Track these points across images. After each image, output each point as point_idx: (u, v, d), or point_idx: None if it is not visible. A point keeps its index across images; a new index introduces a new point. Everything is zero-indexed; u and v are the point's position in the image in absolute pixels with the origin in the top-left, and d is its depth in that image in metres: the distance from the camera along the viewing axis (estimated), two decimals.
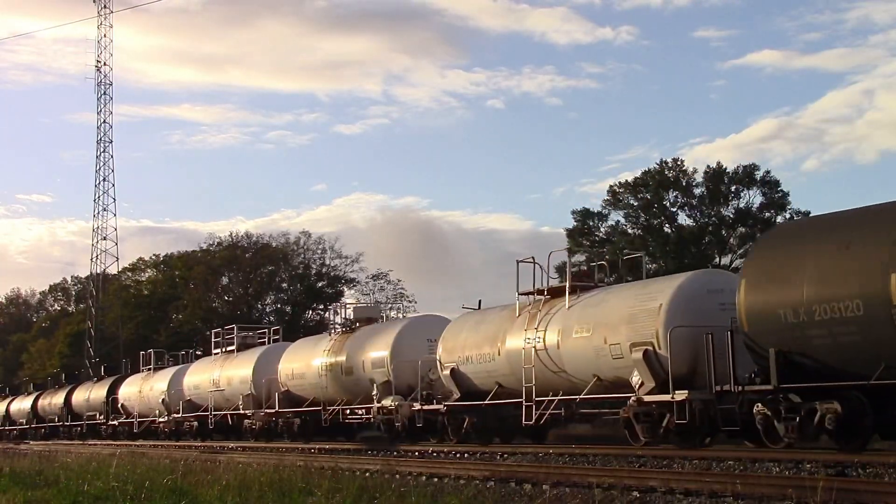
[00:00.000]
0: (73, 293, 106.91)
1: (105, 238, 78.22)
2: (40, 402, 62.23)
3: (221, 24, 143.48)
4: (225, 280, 73.12)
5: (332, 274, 72.51)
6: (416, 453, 23.73)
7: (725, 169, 56.62)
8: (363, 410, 30.41)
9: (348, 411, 31.38)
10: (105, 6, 79.34)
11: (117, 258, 78.98)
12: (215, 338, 42.51)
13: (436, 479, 15.46)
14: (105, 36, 79.30)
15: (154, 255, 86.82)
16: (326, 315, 71.77)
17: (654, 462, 17.27)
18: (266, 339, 40.56)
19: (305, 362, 33.72)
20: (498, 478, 14.81)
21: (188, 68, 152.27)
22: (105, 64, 79.01)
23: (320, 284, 72.24)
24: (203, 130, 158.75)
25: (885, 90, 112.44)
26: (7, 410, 67.92)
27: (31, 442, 54.31)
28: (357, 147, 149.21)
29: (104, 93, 78.89)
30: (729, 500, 11.16)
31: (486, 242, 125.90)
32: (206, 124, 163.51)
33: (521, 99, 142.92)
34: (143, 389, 47.19)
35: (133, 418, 48.05)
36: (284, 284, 73.04)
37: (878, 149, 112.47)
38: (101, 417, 51.80)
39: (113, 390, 51.87)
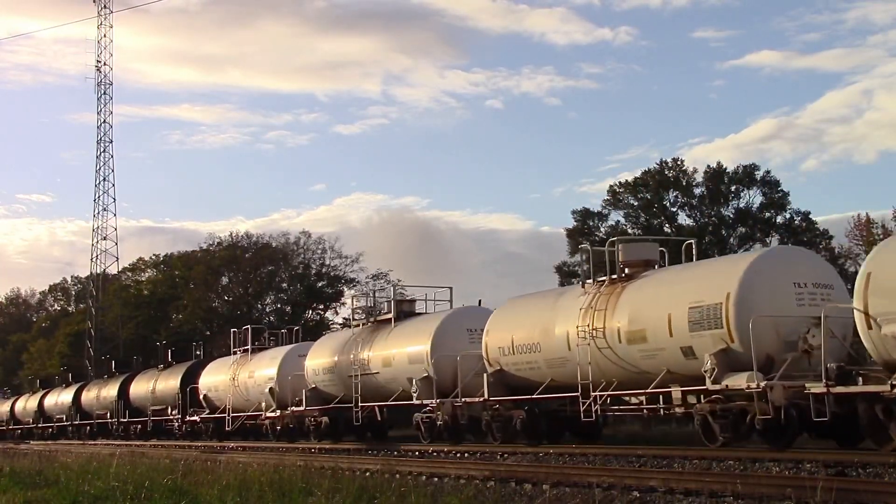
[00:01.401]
0: (73, 293, 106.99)
1: (105, 238, 78.30)
2: (46, 401, 61.33)
3: (221, 25, 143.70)
4: (225, 280, 73.12)
5: (332, 274, 72.55)
6: (416, 453, 23.72)
7: (725, 169, 56.67)
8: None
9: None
10: (105, 6, 79.45)
11: (117, 258, 79.09)
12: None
13: (436, 479, 15.45)
14: (105, 36, 79.39)
15: (154, 255, 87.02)
16: (326, 315, 72.03)
17: (654, 462, 17.26)
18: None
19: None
20: (498, 478, 14.80)
21: (188, 68, 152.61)
22: (105, 64, 79.11)
23: (320, 284, 72.25)
24: (202, 131, 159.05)
25: (884, 90, 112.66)
26: (13, 409, 67.13)
27: (32, 442, 54.28)
28: (356, 147, 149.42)
29: (104, 93, 79.00)
30: (729, 500, 11.15)
31: (486, 242, 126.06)
32: (206, 124, 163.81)
33: (521, 99, 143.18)
34: (240, 376, 38.90)
35: (221, 413, 39.69)
36: (284, 284, 73.04)
37: (878, 149, 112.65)
38: (175, 412, 44.20)
39: (126, 385, 49.12)
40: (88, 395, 55.10)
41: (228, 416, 38.55)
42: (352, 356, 30.10)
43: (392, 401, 28.27)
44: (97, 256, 78.60)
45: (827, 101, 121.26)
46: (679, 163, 57.60)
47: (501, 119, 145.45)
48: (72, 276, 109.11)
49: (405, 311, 30.01)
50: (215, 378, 41.19)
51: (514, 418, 23.33)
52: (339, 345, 31.93)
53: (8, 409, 68.53)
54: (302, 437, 34.08)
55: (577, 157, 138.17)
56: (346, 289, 71.91)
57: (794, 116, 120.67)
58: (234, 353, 40.57)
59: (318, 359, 33.01)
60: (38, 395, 63.62)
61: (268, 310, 73.09)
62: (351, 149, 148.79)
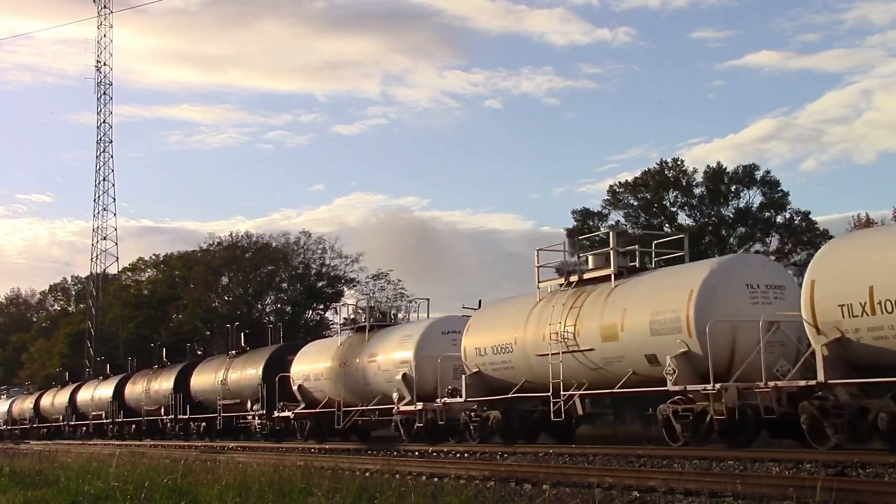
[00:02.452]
0: (73, 293, 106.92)
1: (105, 238, 78.35)
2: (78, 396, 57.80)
3: (220, 25, 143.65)
4: (225, 280, 73.11)
5: (332, 274, 72.54)
6: (416, 453, 23.73)
7: (725, 169, 56.63)
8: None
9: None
10: (105, 6, 79.47)
11: (117, 258, 79.12)
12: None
13: (436, 479, 15.45)
14: (105, 36, 79.43)
15: (154, 255, 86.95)
16: (326, 315, 71.97)
17: (654, 462, 17.26)
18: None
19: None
20: (498, 478, 14.80)
21: (187, 69, 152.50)
22: (105, 64, 79.15)
23: (320, 284, 72.24)
24: (202, 131, 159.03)
25: (884, 90, 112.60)
26: (38, 404, 64.20)
27: (32, 441, 54.26)
28: (356, 147, 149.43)
29: (104, 93, 79.05)
30: (729, 500, 11.15)
31: (486, 242, 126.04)
32: (205, 125, 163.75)
33: (520, 99, 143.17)
34: (355, 360, 31.44)
35: (325, 408, 32.69)
36: (284, 284, 73.02)
37: (877, 149, 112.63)
38: (256, 407, 36.93)
39: (185, 377, 43.72)
40: (134, 389, 50.05)
41: (339, 410, 31.60)
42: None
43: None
44: (97, 256, 78.73)
45: (826, 101, 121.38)
46: (679, 163, 57.60)
47: (500, 119, 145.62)
48: (72, 276, 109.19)
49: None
50: (314, 365, 33.91)
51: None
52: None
53: (33, 404, 65.97)
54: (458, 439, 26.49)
55: (576, 157, 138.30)
56: (345, 289, 72.00)
57: (793, 117, 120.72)
58: (339, 331, 34.41)
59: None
60: (70, 388, 59.49)
61: (268, 310, 73.11)
62: (350, 149, 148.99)
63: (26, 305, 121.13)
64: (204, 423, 42.18)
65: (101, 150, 78.69)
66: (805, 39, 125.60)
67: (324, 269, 72.79)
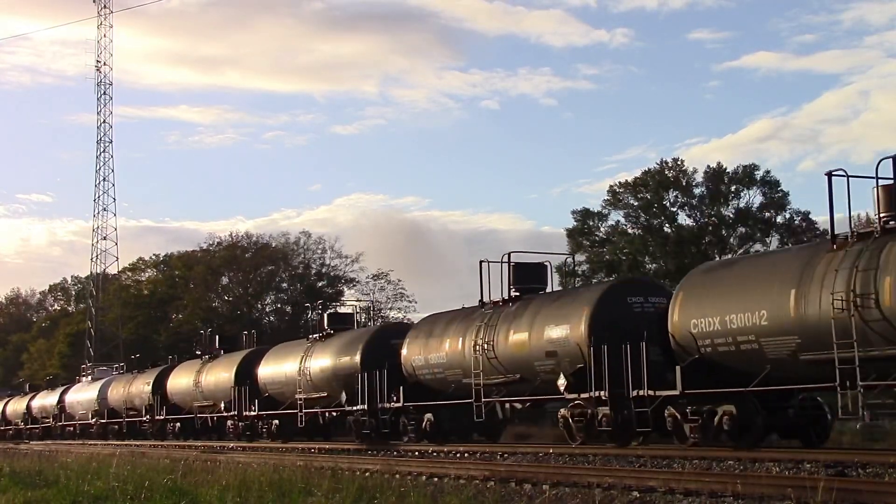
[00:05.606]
0: (73, 293, 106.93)
1: (105, 238, 78.32)
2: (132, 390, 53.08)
3: (219, 26, 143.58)
4: (225, 280, 73.16)
5: (332, 274, 72.57)
6: (416, 453, 23.76)
7: (725, 169, 56.64)
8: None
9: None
10: (105, 6, 79.45)
11: (117, 258, 79.08)
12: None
13: (436, 479, 15.46)
14: (105, 36, 79.41)
15: (154, 255, 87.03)
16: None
17: (654, 462, 17.28)
18: None
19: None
20: (498, 478, 14.80)
21: (186, 69, 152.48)
22: (105, 64, 79.12)
23: (320, 284, 72.26)
24: (200, 131, 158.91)
25: (881, 91, 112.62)
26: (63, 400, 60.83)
27: (30, 441, 54.35)
28: (355, 148, 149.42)
29: (104, 93, 79.03)
30: (729, 499, 11.15)
31: (486, 242, 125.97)
32: (204, 125, 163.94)
33: (518, 100, 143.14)
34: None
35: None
36: (284, 284, 73.07)
37: (874, 150, 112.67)
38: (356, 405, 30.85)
39: (252, 366, 37.11)
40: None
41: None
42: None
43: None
44: (97, 256, 78.71)
45: (824, 101, 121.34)
46: (679, 163, 57.61)
47: (498, 119, 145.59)
48: (72, 276, 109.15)
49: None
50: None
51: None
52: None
53: (56, 399, 62.34)
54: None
55: (574, 157, 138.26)
56: (345, 289, 72.03)
57: (791, 117, 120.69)
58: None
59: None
60: (98, 384, 55.06)
61: (268, 310, 73.16)
62: (349, 149, 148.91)
63: (26, 305, 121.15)
64: (272, 422, 38.65)
65: (101, 150, 78.77)
66: (802, 40, 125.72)
67: (324, 269, 72.86)
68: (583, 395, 21.73)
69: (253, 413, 36.01)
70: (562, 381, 22.12)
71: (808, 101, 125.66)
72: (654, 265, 55.68)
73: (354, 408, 29.74)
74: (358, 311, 38.28)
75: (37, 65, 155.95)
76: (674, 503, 11.45)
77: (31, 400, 63.85)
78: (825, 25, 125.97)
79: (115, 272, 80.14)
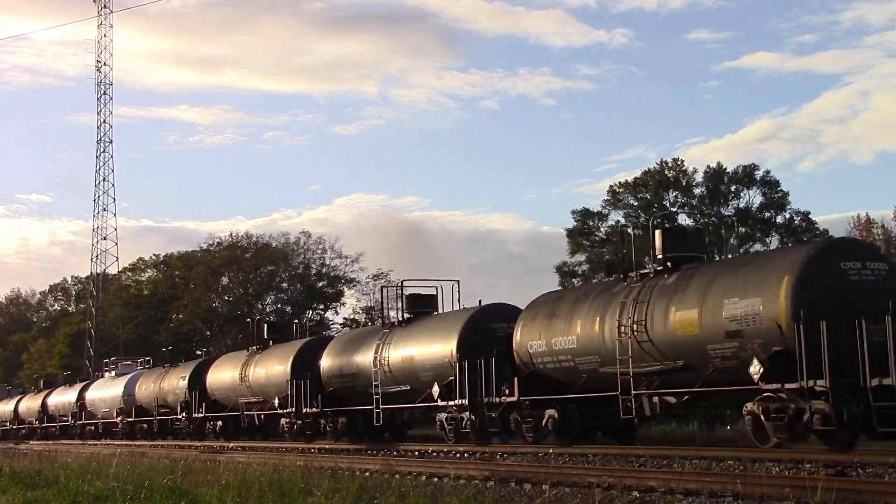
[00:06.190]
0: (73, 293, 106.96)
1: (105, 238, 78.24)
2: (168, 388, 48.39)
3: (219, 26, 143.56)
4: (225, 280, 73.12)
5: (332, 274, 72.55)
6: (416, 453, 23.75)
7: (725, 169, 56.62)
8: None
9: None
10: (105, 6, 79.41)
11: (117, 258, 79.02)
12: None
13: (436, 479, 15.47)
14: (105, 36, 79.36)
15: (154, 255, 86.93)
16: (327, 315, 72.02)
17: (654, 462, 17.27)
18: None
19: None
20: (498, 478, 14.80)
21: (185, 70, 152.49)
22: (105, 64, 79.06)
23: (320, 284, 72.24)
24: (200, 131, 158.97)
25: (881, 91, 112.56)
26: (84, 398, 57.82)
27: (32, 442, 54.19)
28: (354, 148, 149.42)
29: (104, 93, 78.95)
30: (729, 500, 11.15)
31: (487, 242, 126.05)
32: (203, 125, 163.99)
33: (517, 100, 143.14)
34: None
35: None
36: (284, 284, 73.04)
37: (874, 150, 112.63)
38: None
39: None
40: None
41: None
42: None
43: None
44: (97, 256, 78.64)
45: (823, 101, 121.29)
46: (679, 163, 57.58)
47: (498, 119, 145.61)
48: (72, 276, 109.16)
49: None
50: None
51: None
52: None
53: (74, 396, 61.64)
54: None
55: (573, 157, 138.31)
56: (345, 289, 71.99)
57: (791, 117, 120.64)
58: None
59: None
60: (123, 381, 52.52)
61: (268, 310, 73.10)
62: (349, 149, 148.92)
63: (26, 305, 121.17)
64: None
65: (101, 150, 78.69)
66: (802, 40, 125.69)
67: (324, 270, 72.83)
68: (788, 386, 17.43)
69: (315, 409, 32.67)
70: (755, 369, 17.91)
71: (808, 102, 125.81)
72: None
73: (449, 403, 26.30)
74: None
75: (37, 65, 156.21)
76: (674, 503, 11.44)
77: (46, 397, 60.97)
78: (825, 25, 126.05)
79: (115, 272, 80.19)
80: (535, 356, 23.96)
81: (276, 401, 34.62)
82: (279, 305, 73.21)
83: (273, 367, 35.88)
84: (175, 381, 43.74)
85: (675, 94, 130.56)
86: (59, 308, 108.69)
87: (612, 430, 23.99)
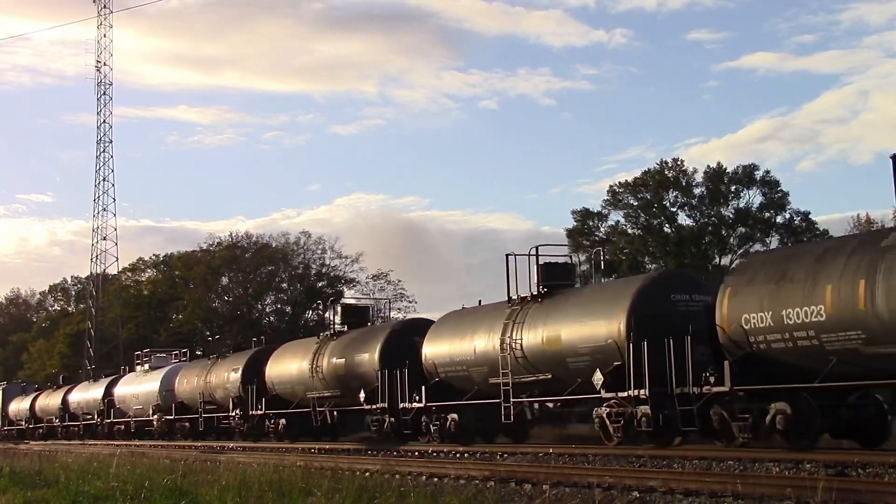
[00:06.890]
0: (73, 293, 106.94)
1: (105, 238, 78.18)
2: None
3: (218, 26, 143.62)
4: (225, 280, 73.08)
5: (332, 274, 72.55)
6: (416, 453, 23.75)
7: (725, 169, 56.66)
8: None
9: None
10: (105, 6, 79.37)
11: (117, 258, 78.97)
12: None
13: (436, 479, 15.47)
14: (105, 36, 79.32)
15: (154, 255, 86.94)
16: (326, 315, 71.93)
17: (654, 462, 17.27)
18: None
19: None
20: (498, 478, 14.80)
21: (185, 70, 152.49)
22: (105, 64, 79.01)
23: (320, 284, 72.23)
24: (199, 131, 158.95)
25: (880, 91, 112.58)
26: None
27: (29, 441, 54.15)
28: (353, 147, 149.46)
29: (104, 93, 78.85)
30: (729, 500, 11.15)
31: (487, 242, 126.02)
32: (203, 125, 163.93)
33: (517, 100, 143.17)
34: None
35: None
36: (284, 284, 73.03)
37: (873, 150, 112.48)
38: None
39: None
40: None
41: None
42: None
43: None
44: (97, 256, 78.58)
45: (823, 102, 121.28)
46: (679, 163, 57.66)
47: (497, 119, 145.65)
48: (72, 276, 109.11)
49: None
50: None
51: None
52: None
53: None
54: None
55: (573, 157, 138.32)
56: (345, 289, 71.96)
57: (790, 117, 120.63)
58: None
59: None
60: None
61: (268, 310, 73.11)
62: (349, 149, 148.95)
63: (26, 305, 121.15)
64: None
65: (101, 150, 78.57)
66: (801, 40, 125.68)
67: (324, 270, 72.83)
68: (621, 394, 20.99)
69: (419, 404, 27.64)
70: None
71: (808, 102, 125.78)
72: (653, 265, 55.68)
73: (618, 394, 22.91)
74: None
75: (37, 65, 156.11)
76: (674, 503, 11.45)
77: (67, 393, 55.99)
78: (824, 26, 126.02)
79: (115, 272, 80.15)
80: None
81: (362, 395, 29.80)
82: (279, 306, 73.24)
83: (356, 357, 31.07)
84: (225, 374, 38.93)
85: (674, 94, 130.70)
86: (58, 308, 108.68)
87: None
